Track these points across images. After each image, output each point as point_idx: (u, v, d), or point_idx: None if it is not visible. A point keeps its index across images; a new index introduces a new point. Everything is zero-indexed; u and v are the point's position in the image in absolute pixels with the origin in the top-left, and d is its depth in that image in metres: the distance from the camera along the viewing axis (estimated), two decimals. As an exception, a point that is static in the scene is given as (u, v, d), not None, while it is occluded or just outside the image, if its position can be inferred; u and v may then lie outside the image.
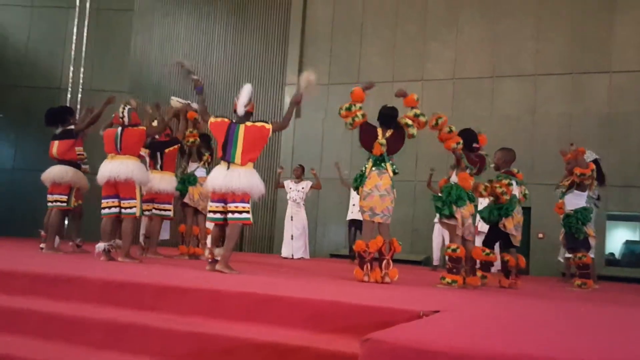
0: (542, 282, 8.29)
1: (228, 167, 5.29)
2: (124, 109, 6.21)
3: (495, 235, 6.08)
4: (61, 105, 9.18)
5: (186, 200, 7.43)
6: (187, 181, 7.44)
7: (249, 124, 5.38)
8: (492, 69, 11.94)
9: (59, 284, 3.59)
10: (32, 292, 3.57)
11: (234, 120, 5.44)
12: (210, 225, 9.11)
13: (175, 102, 7.39)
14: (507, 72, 11.80)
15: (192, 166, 7.68)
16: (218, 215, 5.36)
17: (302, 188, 10.01)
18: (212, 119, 5.52)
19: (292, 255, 9.85)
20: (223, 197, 5.28)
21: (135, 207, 6.00)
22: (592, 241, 6.63)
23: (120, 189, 5.98)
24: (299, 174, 10.12)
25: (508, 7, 11.93)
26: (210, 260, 5.36)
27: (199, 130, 7.59)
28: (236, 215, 5.25)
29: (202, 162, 7.70)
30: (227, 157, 5.31)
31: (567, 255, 8.06)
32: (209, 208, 5.50)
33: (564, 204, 6.78)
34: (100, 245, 5.92)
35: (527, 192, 6.36)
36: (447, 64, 12.31)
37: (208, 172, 7.67)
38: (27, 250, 7.24)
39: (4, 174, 14.17)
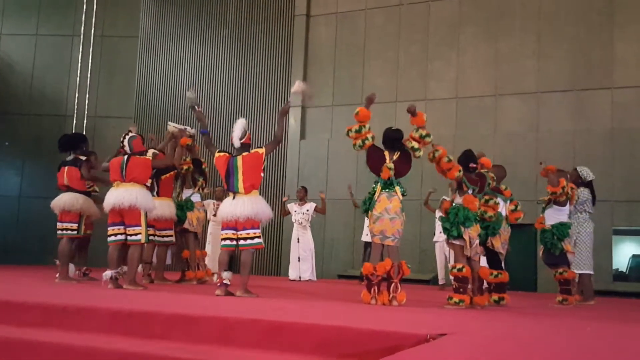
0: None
1: (234, 197, 5.62)
2: (124, 138, 6.30)
3: (488, 255, 6.09)
4: (75, 132, 9.27)
5: (186, 226, 7.49)
6: (184, 207, 7.48)
7: (245, 154, 5.71)
8: (494, 87, 12.02)
9: (69, 314, 3.63)
10: (43, 323, 3.60)
11: (233, 154, 5.79)
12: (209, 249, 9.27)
13: (172, 127, 7.47)
14: (509, 90, 11.88)
15: (187, 192, 7.74)
16: (228, 242, 5.64)
17: (307, 210, 10.04)
18: (216, 154, 5.80)
19: (300, 277, 9.86)
20: (233, 225, 5.57)
21: (140, 233, 6.06)
22: (570, 257, 6.57)
23: (125, 216, 6.05)
24: (302, 196, 10.16)
25: (509, 26, 12.04)
26: (219, 284, 5.47)
27: (193, 156, 7.65)
28: (248, 241, 5.57)
29: (196, 188, 7.77)
30: (231, 188, 5.66)
31: None
32: (222, 236, 5.67)
33: (544, 218, 6.75)
34: (108, 273, 5.97)
35: (518, 207, 6.30)
36: (450, 83, 12.41)
37: (202, 198, 7.84)
38: (35, 279, 7.28)
39: (11, 202, 14.28)
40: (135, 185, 6.09)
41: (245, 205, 5.52)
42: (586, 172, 7.22)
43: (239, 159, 5.66)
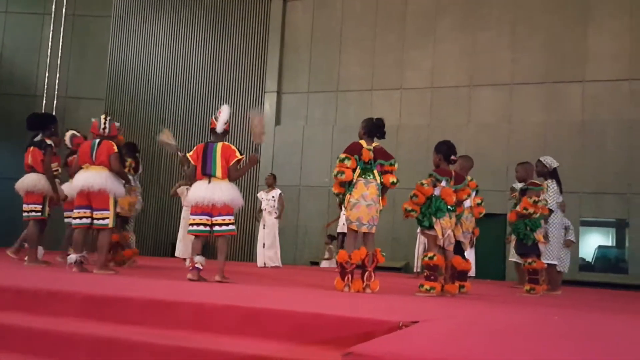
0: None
1: (209, 182, 5.54)
2: (105, 120, 6.19)
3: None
4: (45, 112, 9.08)
5: (117, 210, 7.39)
6: None
7: (224, 143, 5.69)
8: (469, 78, 12.14)
9: (40, 298, 3.59)
10: (14, 307, 3.55)
11: (210, 140, 5.75)
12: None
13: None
14: (484, 81, 12.01)
15: None
16: (202, 228, 5.55)
17: (272, 197, 9.96)
18: (189, 155, 5.73)
19: (265, 264, 9.83)
20: (207, 211, 5.49)
21: (108, 218, 5.97)
22: (541, 247, 6.70)
23: (93, 199, 5.94)
24: (271, 183, 10.09)
25: (485, 18, 12.15)
26: (191, 268, 5.43)
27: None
28: (223, 227, 5.53)
29: (125, 168, 7.64)
30: (208, 171, 5.58)
31: (512, 259, 8.41)
32: (190, 221, 5.56)
33: (514, 214, 6.81)
34: (72, 257, 5.89)
35: (482, 203, 6.43)
36: (425, 72, 12.48)
37: (139, 182, 7.86)
38: (3, 262, 7.16)
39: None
40: (104, 168, 5.99)
41: (223, 190, 5.49)
42: (550, 160, 7.32)
43: (219, 145, 5.63)
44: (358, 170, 5.28)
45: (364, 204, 5.20)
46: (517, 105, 11.74)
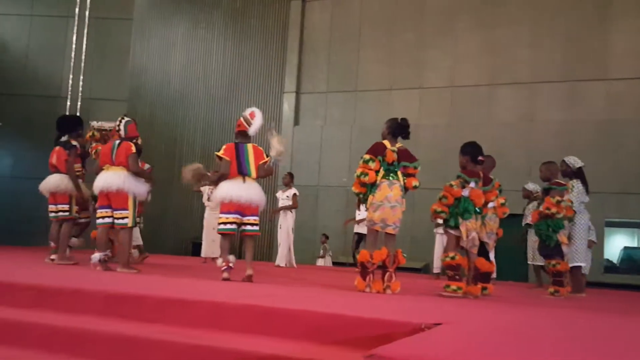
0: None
1: (244, 181, 5.61)
2: (120, 122, 6.27)
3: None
4: (72, 114, 9.26)
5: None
6: None
7: (254, 144, 5.79)
8: (489, 76, 12.03)
9: (63, 296, 3.62)
10: (37, 304, 3.59)
11: (237, 140, 5.77)
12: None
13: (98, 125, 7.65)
14: (504, 79, 11.89)
15: None
16: (232, 227, 5.56)
17: (287, 196, 9.95)
18: (221, 153, 5.69)
19: (277, 264, 9.81)
20: (240, 210, 5.51)
21: (127, 217, 6.04)
22: (565, 249, 6.59)
23: (112, 199, 6.04)
24: (287, 182, 10.07)
25: (505, 16, 12.03)
26: (224, 267, 5.45)
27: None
28: (255, 227, 5.63)
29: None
30: (244, 171, 5.64)
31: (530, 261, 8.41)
32: (221, 219, 5.58)
33: (537, 215, 6.71)
34: (96, 256, 5.98)
35: (506, 203, 6.34)
36: (444, 71, 12.40)
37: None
38: (28, 260, 7.25)
39: (2, 183, 14.18)
40: (123, 169, 6.07)
41: (257, 190, 5.62)
42: (574, 160, 7.22)
43: (249, 146, 5.72)
44: (382, 172, 5.22)
45: (388, 205, 5.14)
46: (538, 104, 11.61)
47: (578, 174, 7.17)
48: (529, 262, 8.71)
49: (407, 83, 12.58)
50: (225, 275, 5.41)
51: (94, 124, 7.99)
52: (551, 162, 6.95)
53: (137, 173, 6.19)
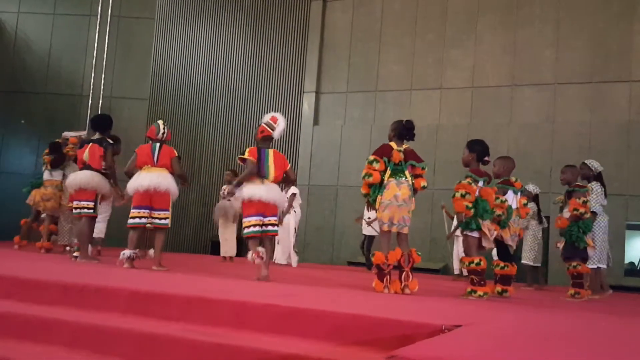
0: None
1: (263, 182, 5.69)
2: (164, 126, 6.51)
3: (498, 247, 6.09)
4: (104, 113, 9.88)
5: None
6: (32, 184, 9.01)
7: (275, 150, 5.88)
8: (511, 77, 11.93)
9: (87, 293, 3.68)
10: (62, 302, 3.65)
11: (259, 145, 5.87)
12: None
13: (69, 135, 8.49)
14: (526, 80, 11.79)
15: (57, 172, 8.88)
16: (258, 229, 5.63)
17: (287, 197, 9.90)
18: (246, 155, 5.73)
19: (275, 260, 9.74)
20: (261, 211, 5.59)
21: (168, 218, 6.31)
22: (590, 251, 6.60)
23: (156, 199, 6.18)
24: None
25: (527, 15, 11.92)
26: (257, 257, 5.54)
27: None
28: (275, 227, 5.73)
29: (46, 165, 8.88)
30: (263, 174, 5.70)
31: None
32: (246, 223, 5.62)
33: (565, 220, 6.69)
34: (126, 253, 6.06)
35: (527, 202, 6.36)
36: (466, 72, 12.32)
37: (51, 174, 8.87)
38: (52, 257, 7.36)
39: (26, 180, 14.37)
40: (166, 170, 6.31)
41: (276, 191, 5.73)
42: (596, 164, 7.24)
43: (270, 151, 5.79)
44: (388, 172, 5.24)
45: (395, 204, 5.14)
46: (560, 105, 11.48)
47: (597, 177, 7.21)
48: (522, 262, 8.69)
49: (427, 83, 12.52)
50: (257, 261, 5.52)
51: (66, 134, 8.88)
52: (572, 166, 7.02)
53: (181, 175, 6.50)
